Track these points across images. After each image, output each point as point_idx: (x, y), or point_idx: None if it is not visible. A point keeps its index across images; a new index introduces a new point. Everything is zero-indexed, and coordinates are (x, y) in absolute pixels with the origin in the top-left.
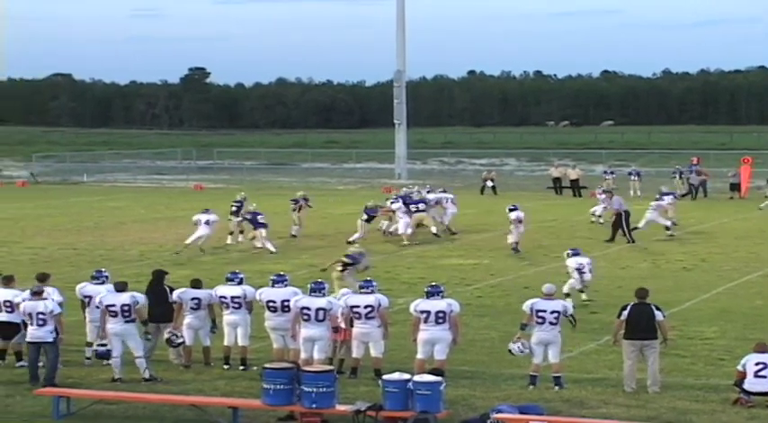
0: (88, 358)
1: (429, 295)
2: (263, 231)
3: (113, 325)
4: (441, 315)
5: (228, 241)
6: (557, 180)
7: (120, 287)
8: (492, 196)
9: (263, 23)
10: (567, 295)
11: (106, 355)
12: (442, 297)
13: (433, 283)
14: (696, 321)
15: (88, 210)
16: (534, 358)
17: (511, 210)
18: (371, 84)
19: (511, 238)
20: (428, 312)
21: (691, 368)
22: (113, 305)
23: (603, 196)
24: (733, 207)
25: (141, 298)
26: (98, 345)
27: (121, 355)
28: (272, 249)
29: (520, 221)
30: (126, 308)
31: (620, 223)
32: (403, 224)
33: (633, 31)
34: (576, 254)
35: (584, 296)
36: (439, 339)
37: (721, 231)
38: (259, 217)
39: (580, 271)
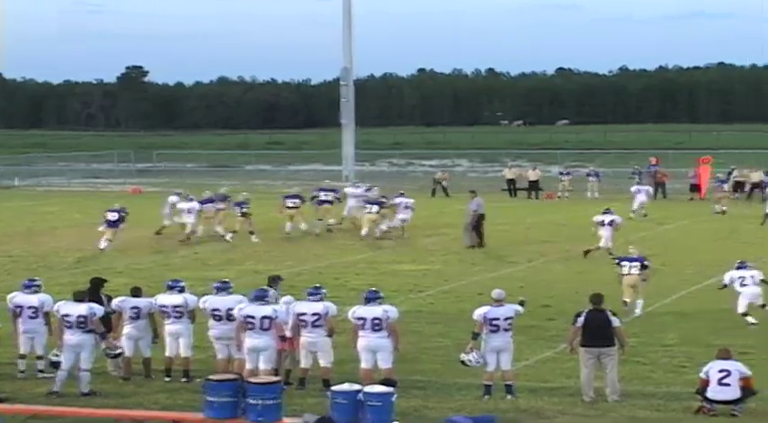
0: (21, 372)
1: (366, 301)
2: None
3: (70, 336)
4: (377, 322)
5: (222, 234)
6: (511, 181)
7: (80, 297)
8: (444, 198)
9: (204, 20)
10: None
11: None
12: (380, 303)
13: (372, 289)
14: (656, 327)
15: (21, 215)
16: (488, 367)
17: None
18: (317, 82)
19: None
20: (364, 319)
21: (651, 376)
22: (69, 315)
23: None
24: (693, 208)
25: (99, 310)
26: (53, 354)
27: (69, 369)
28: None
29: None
30: (82, 319)
31: (477, 225)
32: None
33: (589, 28)
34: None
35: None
36: (378, 347)
37: (682, 234)
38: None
39: (741, 284)
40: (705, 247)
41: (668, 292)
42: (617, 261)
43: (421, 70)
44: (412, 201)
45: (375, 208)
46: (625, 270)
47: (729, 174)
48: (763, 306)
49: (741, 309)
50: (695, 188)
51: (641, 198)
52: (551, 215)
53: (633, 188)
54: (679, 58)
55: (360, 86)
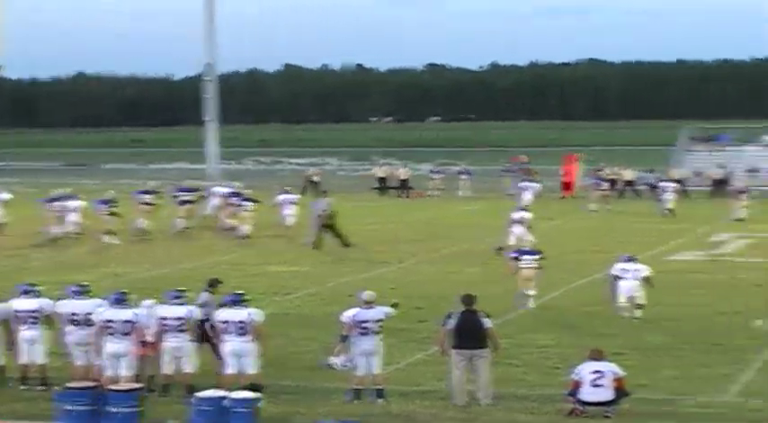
0: None
1: (231, 304)
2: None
3: None
4: (242, 325)
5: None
6: (382, 180)
7: None
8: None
9: (58, 13)
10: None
11: None
12: (245, 306)
13: (237, 292)
14: (529, 328)
15: None
16: (357, 371)
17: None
18: (180, 78)
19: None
20: (228, 322)
21: (524, 378)
22: None
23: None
24: (565, 206)
25: None
26: None
27: None
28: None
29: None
30: None
31: (328, 226)
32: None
33: (459, 22)
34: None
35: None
36: (244, 351)
37: (553, 233)
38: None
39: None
40: (579, 245)
41: (542, 292)
42: (515, 255)
43: (287, 66)
44: (296, 196)
45: (249, 205)
46: (523, 263)
47: (598, 171)
48: (640, 307)
49: (620, 300)
50: (565, 186)
51: (528, 196)
52: (422, 214)
53: (521, 184)
54: (550, 53)
55: (224, 82)
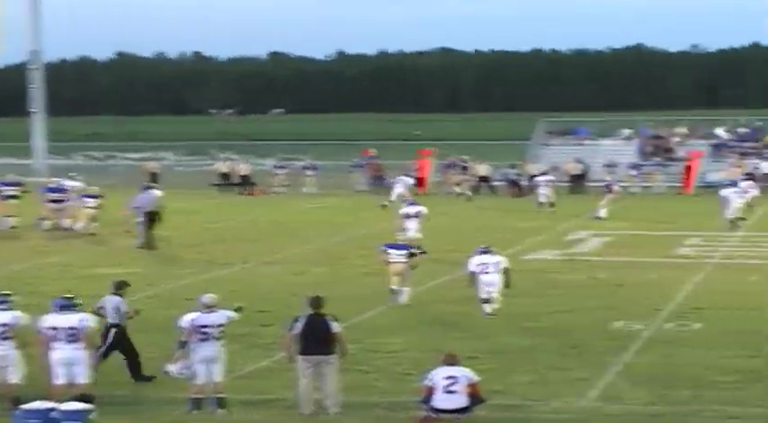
0: None
1: (60, 309)
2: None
3: None
4: (72, 332)
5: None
6: (225, 176)
7: None
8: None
9: None
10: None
11: None
12: (76, 311)
13: (67, 295)
14: (380, 332)
15: None
16: (197, 379)
17: None
18: (3, 66)
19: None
20: (57, 329)
21: (375, 385)
22: None
23: None
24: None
25: None
26: None
27: None
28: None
29: None
30: None
31: (147, 224)
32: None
33: (302, 8)
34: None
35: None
36: (74, 360)
37: None
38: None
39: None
40: (433, 245)
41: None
42: (384, 248)
43: (120, 54)
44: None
45: (92, 201)
46: (392, 258)
47: (449, 167)
48: (486, 301)
49: (482, 296)
50: (418, 182)
51: (399, 189)
52: (266, 212)
53: (396, 178)
54: (401, 41)
55: (51, 71)
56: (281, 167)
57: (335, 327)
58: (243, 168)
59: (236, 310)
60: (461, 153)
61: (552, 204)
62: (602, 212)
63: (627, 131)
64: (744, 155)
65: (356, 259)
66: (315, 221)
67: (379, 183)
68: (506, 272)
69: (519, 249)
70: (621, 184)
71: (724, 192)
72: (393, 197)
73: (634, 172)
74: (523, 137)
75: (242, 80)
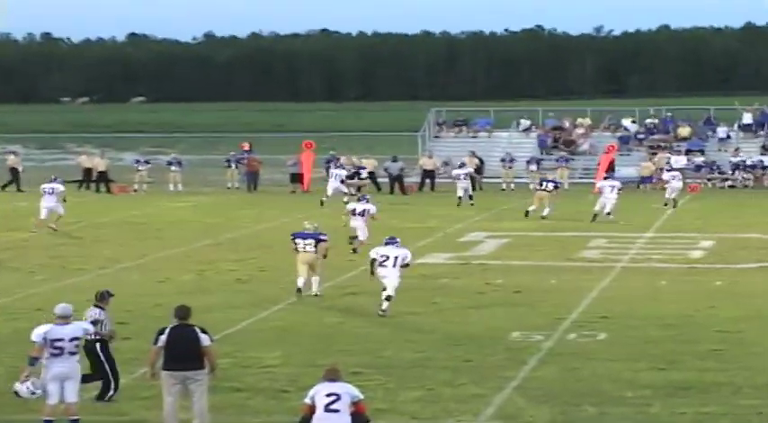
0: None
1: None
2: None
3: None
4: None
5: None
6: (88, 171)
7: None
8: (14, 193)
9: None
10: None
11: None
12: None
13: None
14: (254, 345)
15: None
16: (49, 399)
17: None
18: None
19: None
20: None
21: (248, 403)
22: None
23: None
24: (296, 203)
25: None
26: None
27: None
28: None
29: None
30: None
31: None
32: None
33: None
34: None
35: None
36: None
37: (282, 232)
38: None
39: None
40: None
41: (267, 303)
42: (293, 237)
43: None
44: (61, 188)
45: None
46: (300, 246)
47: (330, 162)
48: (388, 299)
49: (382, 289)
50: (297, 178)
51: (334, 185)
52: (126, 213)
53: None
54: (275, 23)
55: None
56: (143, 163)
57: (205, 339)
58: (100, 164)
59: (93, 323)
60: (343, 147)
61: (471, 197)
62: (546, 211)
63: (526, 122)
64: (654, 148)
65: (227, 264)
66: (181, 222)
67: (255, 179)
68: (407, 267)
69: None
70: (519, 180)
71: (601, 183)
72: (329, 192)
73: (534, 167)
74: (412, 128)
75: (98, 65)
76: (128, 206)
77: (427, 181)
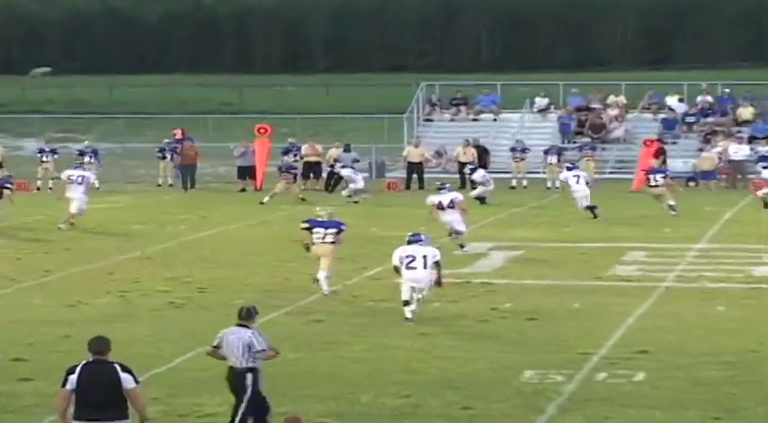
0: None
1: None
2: None
3: None
4: None
5: None
6: None
7: None
8: None
9: None
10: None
11: None
12: None
13: None
14: (191, 388)
15: None
16: None
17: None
18: None
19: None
20: None
21: None
22: None
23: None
24: (244, 203)
25: None
26: None
27: None
28: None
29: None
30: None
31: None
32: None
33: None
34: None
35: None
36: None
37: (229, 242)
38: None
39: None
40: (264, 261)
41: (208, 332)
42: (308, 226)
43: None
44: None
45: None
46: (319, 237)
47: (288, 152)
48: (407, 303)
49: (404, 296)
50: (248, 172)
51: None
52: (25, 218)
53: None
54: None
55: None
56: (49, 152)
57: (128, 380)
58: None
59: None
60: (305, 133)
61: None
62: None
63: (543, 101)
64: (709, 134)
65: (157, 283)
66: (97, 229)
67: (192, 174)
68: (438, 266)
69: (390, 268)
70: (533, 175)
71: (564, 175)
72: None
73: (553, 159)
74: (396, 109)
75: None
76: (27, 209)
77: (414, 176)
